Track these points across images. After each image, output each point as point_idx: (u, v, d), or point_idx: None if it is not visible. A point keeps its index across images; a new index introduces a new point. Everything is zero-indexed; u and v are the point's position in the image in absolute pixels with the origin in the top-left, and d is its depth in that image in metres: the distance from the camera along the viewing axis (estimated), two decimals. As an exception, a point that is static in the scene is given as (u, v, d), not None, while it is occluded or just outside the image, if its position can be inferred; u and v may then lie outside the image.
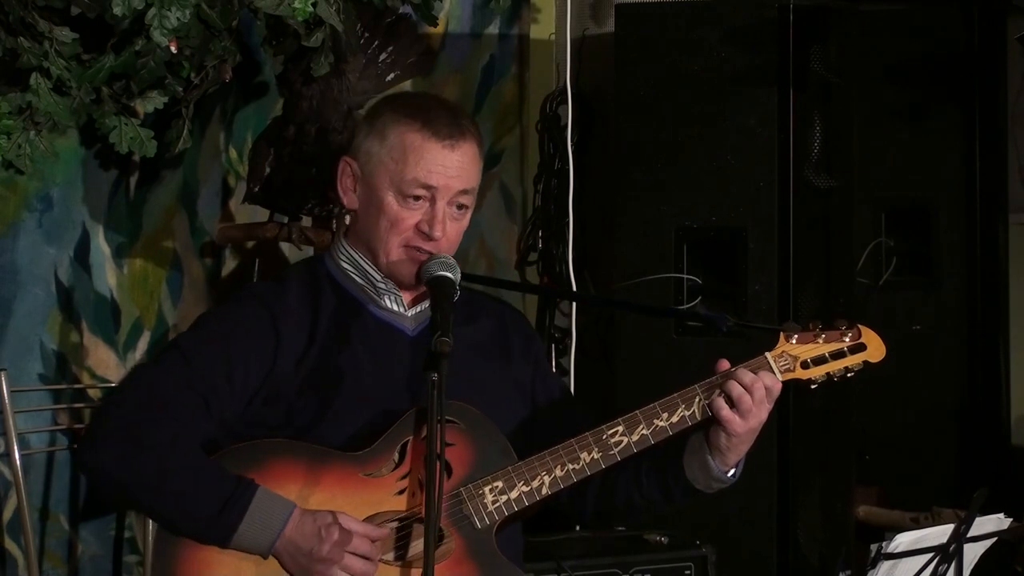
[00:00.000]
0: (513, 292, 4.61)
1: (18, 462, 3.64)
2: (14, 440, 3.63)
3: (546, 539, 3.71)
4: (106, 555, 4.00)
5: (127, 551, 4.02)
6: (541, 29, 5.00)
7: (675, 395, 2.81)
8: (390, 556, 2.74)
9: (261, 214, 4.09)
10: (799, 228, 4.21)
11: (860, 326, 2.89)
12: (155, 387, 2.76)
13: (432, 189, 2.82)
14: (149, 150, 3.65)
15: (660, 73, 4.32)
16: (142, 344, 4.04)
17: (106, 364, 3.97)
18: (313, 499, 2.72)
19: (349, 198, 2.90)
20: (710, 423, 2.80)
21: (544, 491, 2.79)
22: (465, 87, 4.81)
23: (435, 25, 4.06)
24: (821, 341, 2.86)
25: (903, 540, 2.88)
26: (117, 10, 3.26)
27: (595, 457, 2.80)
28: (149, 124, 3.68)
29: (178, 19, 3.32)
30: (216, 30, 3.52)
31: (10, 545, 3.79)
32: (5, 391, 3.62)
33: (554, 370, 3.97)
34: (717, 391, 2.79)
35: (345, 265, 2.91)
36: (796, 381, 2.85)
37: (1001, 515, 3.03)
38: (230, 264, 4.22)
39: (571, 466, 2.79)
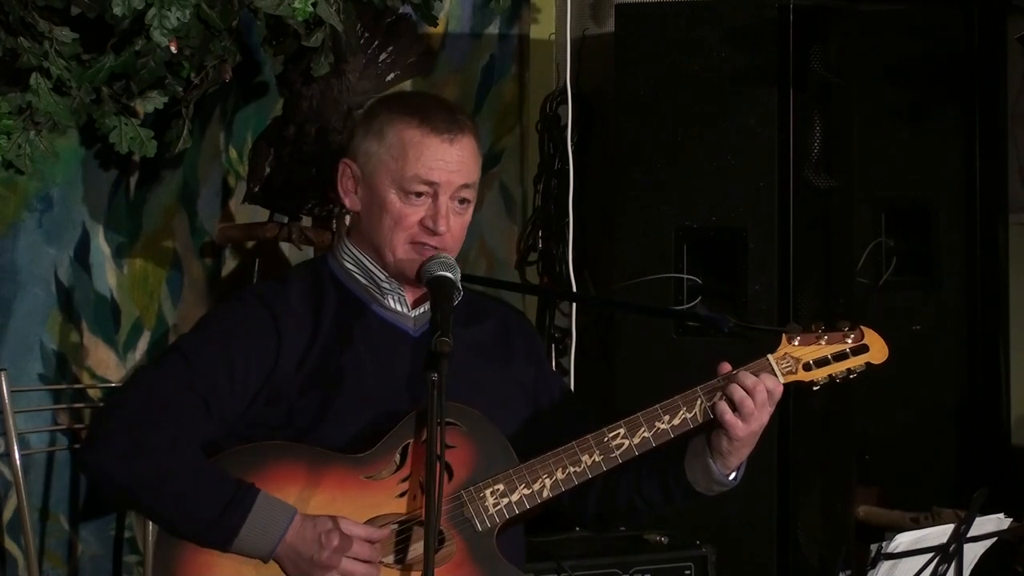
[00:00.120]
0: (513, 292, 4.61)
1: (18, 462, 3.65)
2: (14, 440, 3.63)
3: (546, 539, 3.71)
4: (106, 555, 4.00)
5: (127, 551, 4.02)
6: (541, 29, 5.00)
7: (676, 397, 2.81)
8: (391, 559, 2.74)
9: (261, 214, 4.09)
10: (799, 228, 4.21)
11: (863, 327, 2.88)
12: (156, 389, 2.75)
13: (434, 185, 2.82)
14: (149, 150, 3.65)
15: (660, 73, 4.32)
16: (142, 344, 4.04)
17: (106, 364, 3.97)
18: (314, 501, 2.72)
19: (351, 199, 2.90)
20: (711, 426, 2.80)
21: (545, 493, 2.78)
22: (465, 87, 4.81)
23: (435, 25, 4.07)
24: (823, 343, 2.85)
25: (903, 540, 2.88)
26: (117, 10, 3.26)
27: (596, 459, 2.79)
28: (149, 124, 3.68)
29: (178, 19, 3.32)
30: (216, 30, 3.52)
31: (10, 545, 3.79)
32: (5, 391, 3.63)
33: (554, 370, 3.96)
34: (719, 394, 2.78)
35: (349, 265, 2.91)
36: (798, 383, 2.85)
37: (1001, 515, 3.03)
38: (230, 264, 4.22)
39: (572, 468, 2.79)
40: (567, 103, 4.80)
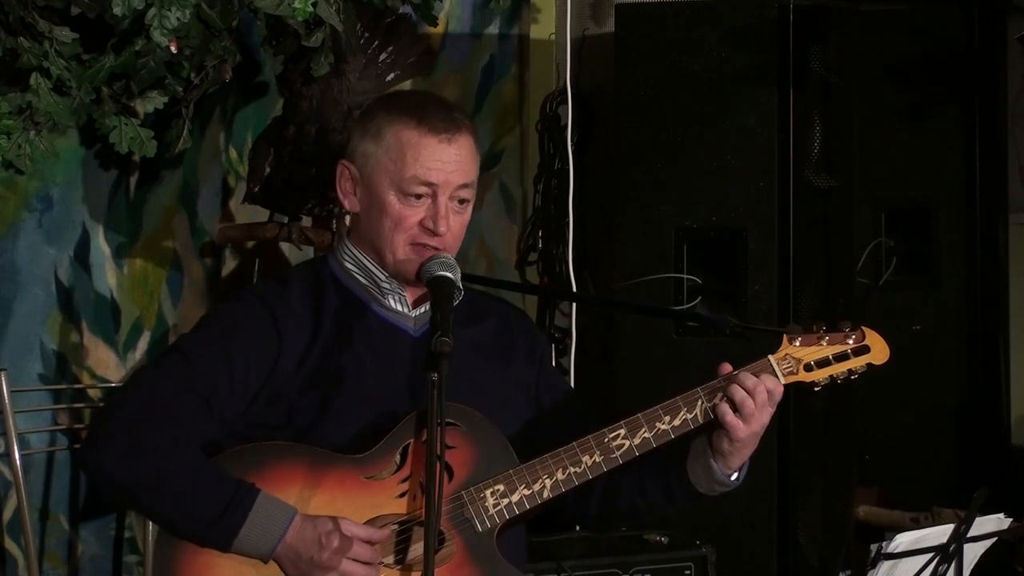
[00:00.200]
0: (513, 292, 4.61)
1: (18, 462, 3.65)
2: (14, 440, 3.63)
3: (546, 539, 3.71)
4: (106, 555, 4.00)
5: (127, 551, 4.02)
6: (541, 29, 5.00)
7: (677, 398, 2.80)
8: (391, 559, 2.74)
9: (261, 214, 4.09)
10: (799, 228, 4.21)
11: (864, 328, 2.87)
12: (156, 389, 2.75)
13: (433, 186, 2.81)
14: (149, 150, 3.65)
15: (660, 73, 4.32)
16: (142, 344, 4.04)
17: (106, 364, 3.97)
18: (314, 502, 2.72)
19: (350, 201, 2.89)
20: (712, 426, 2.79)
21: (546, 494, 2.78)
22: (465, 87, 4.80)
23: (435, 25, 4.06)
24: (825, 343, 2.85)
25: (903, 540, 2.88)
26: (117, 10, 3.26)
27: (597, 460, 2.79)
28: (149, 124, 3.68)
29: (178, 19, 3.32)
30: (216, 30, 3.52)
31: (10, 545, 3.79)
32: (5, 391, 3.63)
33: (556, 370, 3.96)
34: (719, 395, 2.78)
35: (349, 266, 2.91)
36: (799, 384, 2.84)
37: (1001, 515, 3.03)
38: (230, 264, 4.22)
39: (572, 469, 2.79)
40: (567, 103, 4.80)
